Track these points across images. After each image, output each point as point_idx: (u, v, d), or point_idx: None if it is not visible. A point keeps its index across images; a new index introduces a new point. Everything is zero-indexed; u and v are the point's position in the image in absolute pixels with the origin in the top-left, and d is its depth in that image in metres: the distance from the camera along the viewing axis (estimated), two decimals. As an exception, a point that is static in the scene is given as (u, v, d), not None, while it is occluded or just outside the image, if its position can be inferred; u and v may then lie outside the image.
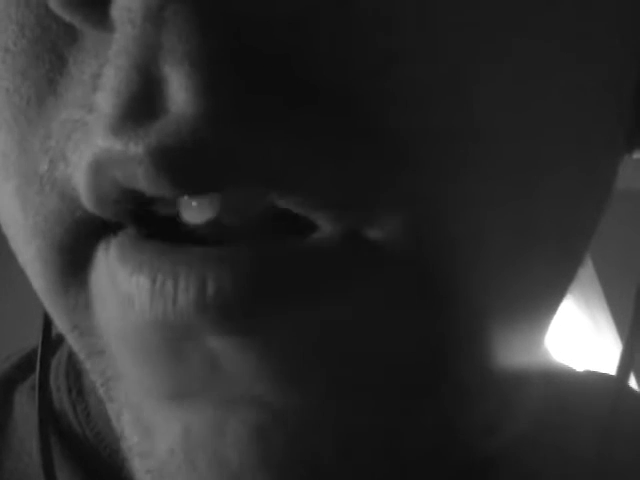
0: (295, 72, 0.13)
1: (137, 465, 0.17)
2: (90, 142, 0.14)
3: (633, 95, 0.17)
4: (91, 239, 0.16)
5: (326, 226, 0.14)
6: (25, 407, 0.26)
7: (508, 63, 0.14)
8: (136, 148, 0.13)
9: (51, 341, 0.25)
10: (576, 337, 1.16)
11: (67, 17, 0.13)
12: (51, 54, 0.15)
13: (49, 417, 0.25)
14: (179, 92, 0.13)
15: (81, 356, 0.18)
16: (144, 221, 0.15)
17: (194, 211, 0.15)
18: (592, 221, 0.18)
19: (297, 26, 0.13)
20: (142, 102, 0.13)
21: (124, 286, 0.15)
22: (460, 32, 0.13)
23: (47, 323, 0.25)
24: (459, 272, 0.15)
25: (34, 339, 0.26)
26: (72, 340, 0.18)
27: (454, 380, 0.16)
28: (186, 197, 0.14)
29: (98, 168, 0.14)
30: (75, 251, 0.16)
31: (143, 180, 0.13)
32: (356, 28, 0.13)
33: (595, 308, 1.18)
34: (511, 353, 0.17)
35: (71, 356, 0.27)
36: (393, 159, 0.14)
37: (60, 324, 0.18)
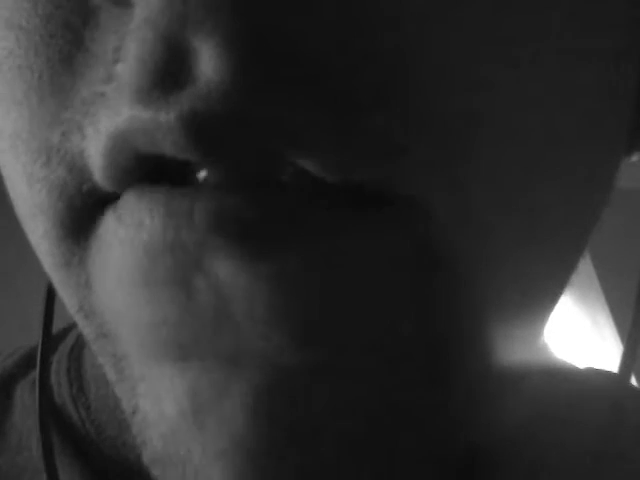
0: (323, 53, 0.13)
1: (150, 433, 0.17)
2: (110, 112, 0.14)
3: (635, 96, 0.18)
4: (93, 213, 0.16)
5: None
6: (26, 402, 0.26)
7: (515, 53, 0.14)
8: (167, 115, 0.13)
9: (51, 337, 0.25)
10: (576, 336, 1.16)
11: None
12: (65, 30, 0.15)
13: (50, 411, 0.25)
14: (210, 61, 0.13)
15: (89, 338, 0.18)
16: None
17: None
18: (594, 214, 0.18)
19: (314, 8, 0.13)
20: (169, 71, 0.13)
21: (133, 214, 0.14)
22: (473, 27, 0.14)
23: (47, 319, 0.25)
24: (464, 255, 0.15)
25: (36, 336, 0.26)
26: (80, 322, 0.18)
27: (456, 371, 0.16)
28: (202, 176, 0.14)
29: (119, 137, 0.14)
30: (76, 225, 0.16)
31: (172, 146, 0.14)
32: (375, 13, 0.13)
33: (594, 307, 1.18)
34: (512, 345, 0.17)
35: (72, 352, 0.27)
36: (409, 132, 0.14)
37: (69, 305, 0.18)
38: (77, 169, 0.15)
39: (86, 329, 0.18)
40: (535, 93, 0.15)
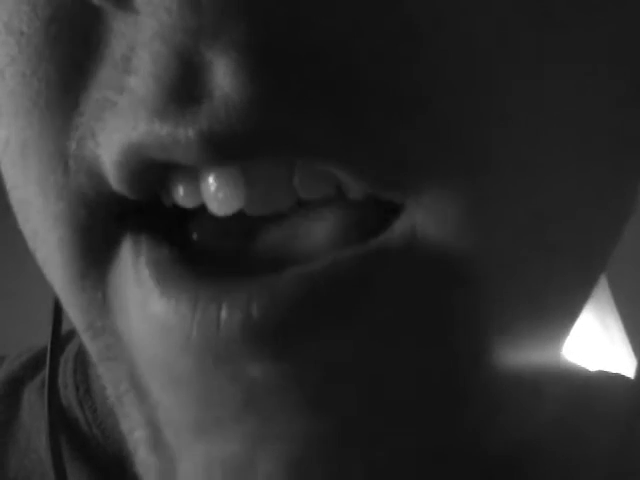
0: (334, 60, 0.13)
1: None
2: (123, 124, 0.14)
3: None
4: (115, 223, 0.16)
5: (356, 192, 0.14)
6: (33, 405, 0.26)
7: (533, 56, 0.14)
8: (185, 132, 0.13)
9: (60, 339, 0.25)
10: (585, 339, 1.15)
11: None
12: (70, 32, 0.14)
13: (58, 414, 0.25)
14: (225, 77, 0.13)
15: (94, 359, 0.18)
16: (171, 228, 0.15)
17: (221, 203, 0.15)
18: (616, 227, 0.18)
19: (333, 15, 0.13)
20: (184, 87, 0.13)
21: (159, 311, 0.15)
22: (490, 27, 0.14)
23: (56, 320, 0.25)
24: (492, 274, 0.15)
25: (41, 339, 0.26)
26: (86, 341, 0.18)
27: (472, 381, 0.16)
28: (213, 188, 0.15)
29: (132, 149, 0.14)
30: (97, 235, 0.16)
31: (189, 159, 0.14)
32: (395, 27, 0.13)
33: (604, 310, 1.17)
34: (536, 360, 0.17)
35: (79, 354, 0.27)
36: (430, 138, 0.14)
37: (76, 323, 0.18)
38: (95, 175, 0.15)
39: (92, 349, 0.18)
40: (549, 95, 0.14)
